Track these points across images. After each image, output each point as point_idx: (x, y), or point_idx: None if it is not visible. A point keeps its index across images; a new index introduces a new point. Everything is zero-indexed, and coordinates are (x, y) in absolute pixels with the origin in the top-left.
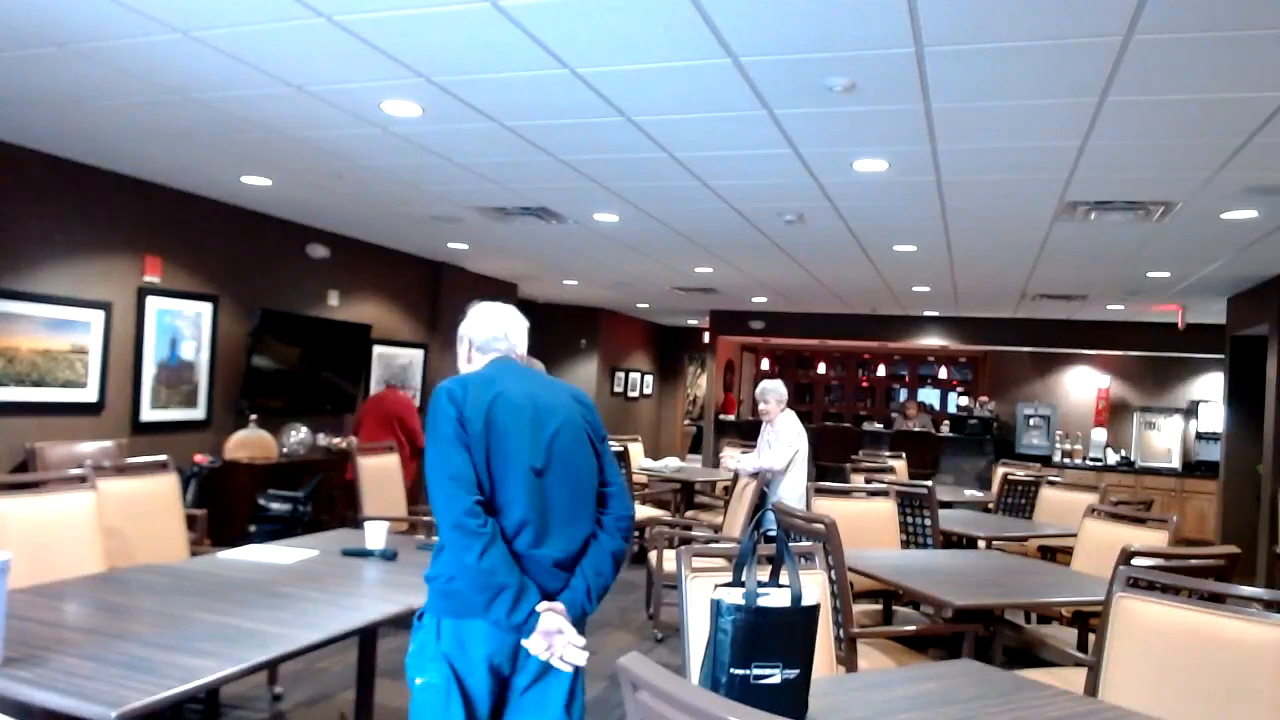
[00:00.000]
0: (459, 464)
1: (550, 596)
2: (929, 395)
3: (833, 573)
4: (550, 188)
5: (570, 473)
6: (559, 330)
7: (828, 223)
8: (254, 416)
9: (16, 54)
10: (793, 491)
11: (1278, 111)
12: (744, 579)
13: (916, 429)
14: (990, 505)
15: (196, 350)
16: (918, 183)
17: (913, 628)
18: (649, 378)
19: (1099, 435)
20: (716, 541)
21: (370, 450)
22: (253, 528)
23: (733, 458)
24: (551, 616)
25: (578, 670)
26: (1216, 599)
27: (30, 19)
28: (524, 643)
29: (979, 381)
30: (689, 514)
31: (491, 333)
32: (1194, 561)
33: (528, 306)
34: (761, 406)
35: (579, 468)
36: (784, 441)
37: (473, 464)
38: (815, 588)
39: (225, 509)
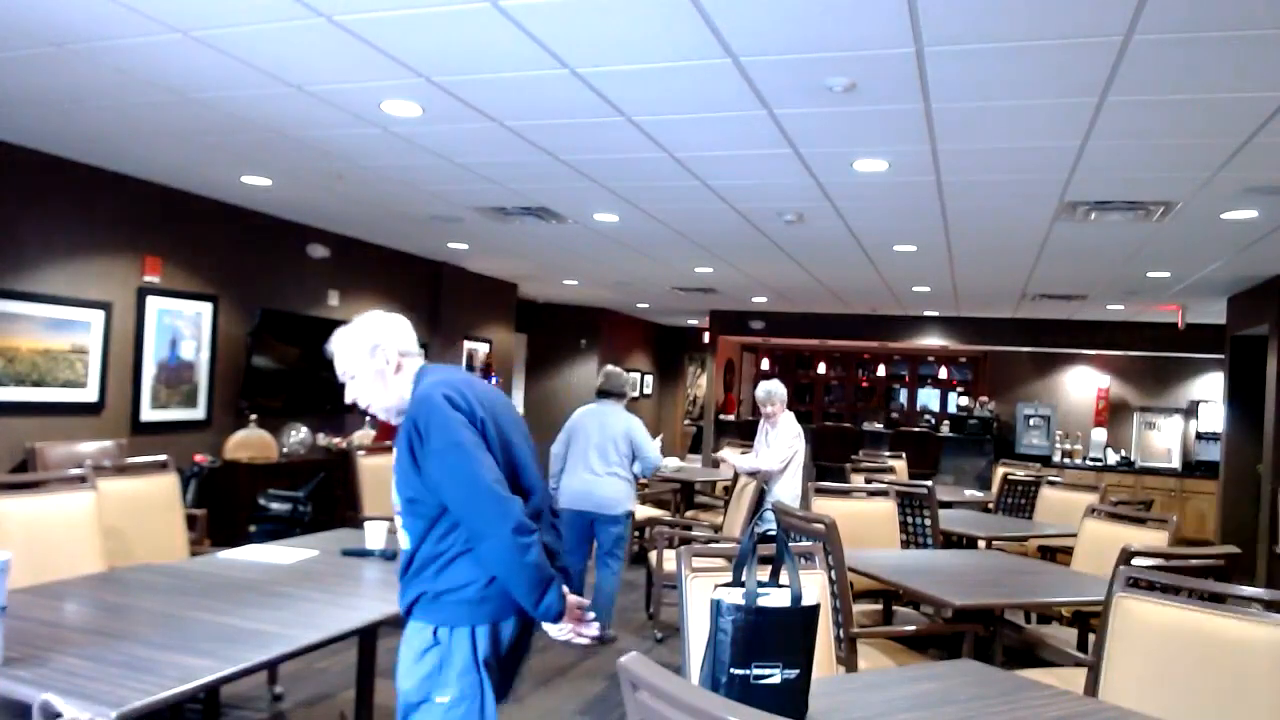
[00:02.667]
0: (494, 467)
1: None
2: (929, 395)
3: (833, 573)
4: (550, 188)
5: (540, 465)
6: (559, 330)
7: (828, 223)
8: (254, 416)
9: (16, 54)
10: (789, 492)
11: (1278, 111)
12: (744, 579)
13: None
14: (990, 505)
15: (196, 350)
16: (918, 183)
17: (913, 628)
18: (649, 378)
19: (1099, 435)
20: (716, 541)
21: (370, 450)
22: (253, 528)
23: (731, 457)
24: (573, 599)
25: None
26: (1216, 599)
27: (29, 19)
28: (550, 628)
29: (979, 381)
30: (689, 514)
31: (411, 339)
32: (1194, 561)
33: (528, 306)
34: (766, 409)
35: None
36: (782, 442)
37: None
38: (815, 588)
39: (225, 509)
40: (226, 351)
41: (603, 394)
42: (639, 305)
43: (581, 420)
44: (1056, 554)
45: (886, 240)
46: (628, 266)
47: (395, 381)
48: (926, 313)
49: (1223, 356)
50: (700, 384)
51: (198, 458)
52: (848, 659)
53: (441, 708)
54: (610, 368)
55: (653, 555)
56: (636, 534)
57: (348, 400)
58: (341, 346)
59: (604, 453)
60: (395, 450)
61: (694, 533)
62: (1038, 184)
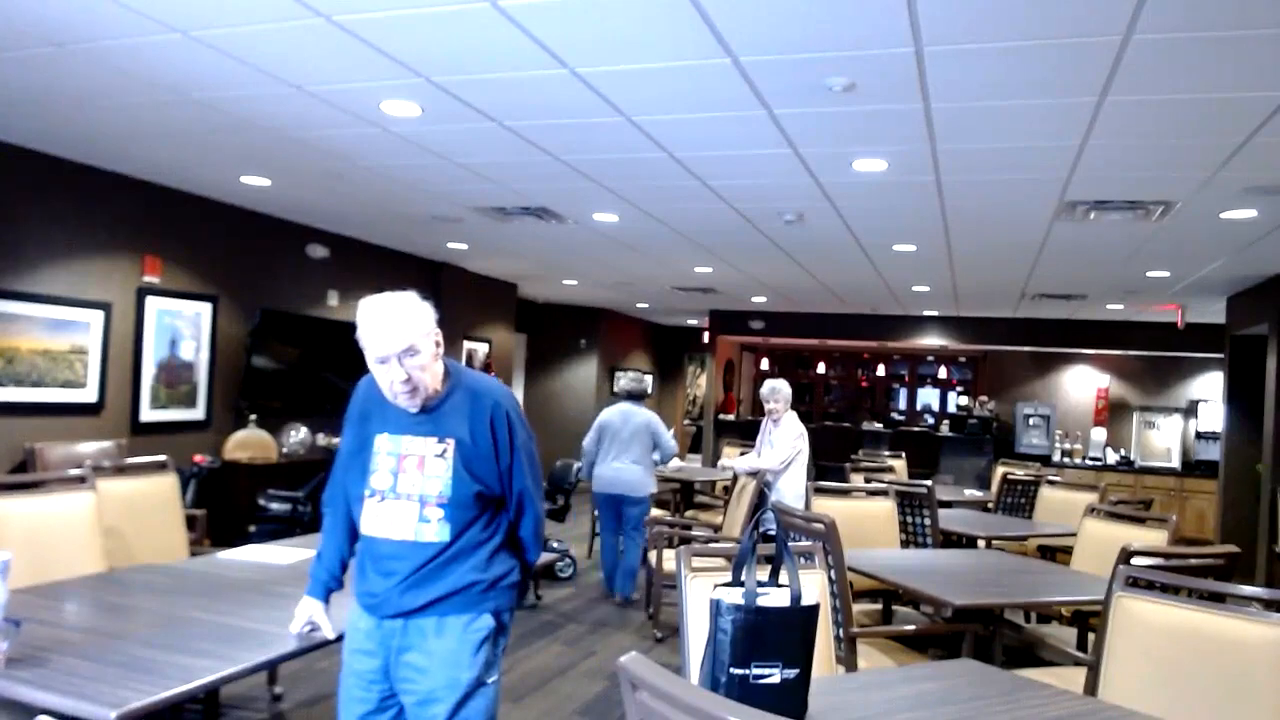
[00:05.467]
0: None
1: None
2: (929, 395)
3: (832, 572)
4: (550, 188)
5: None
6: (559, 330)
7: (828, 223)
8: (254, 416)
9: (16, 54)
10: (792, 491)
11: (1278, 111)
12: (744, 579)
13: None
14: (990, 505)
15: (196, 350)
16: (918, 183)
17: (913, 627)
18: (649, 378)
19: (1098, 435)
20: (716, 541)
21: None
22: (253, 528)
23: (730, 459)
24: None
25: None
26: (1216, 598)
27: (30, 19)
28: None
29: (979, 381)
30: (689, 514)
31: None
32: (1194, 561)
33: (528, 306)
34: (770, 405)
35: None
36: (785, 443)
37: None
38: (815, 587)
39: (225, 509)
40: (226, 351)
41: (628, 396)
42: (639, 305)
43: (610, 418)
44: (1056, 554)
45: (886, 240)
46: (628, 266)
47: (437, 366)
48: (926, 312)
49: (1222, 356)
50: (700, 384)
51: (197, 458)
52: (847, 659)
53: (493, 687)
54: (631, 372)
55: (653, 555)
56: None
57: (400, 380)
58: (411, 316)
59: (630, 446)
60: (453, 441)
61: (694, 532)
62: (1037, 184)
